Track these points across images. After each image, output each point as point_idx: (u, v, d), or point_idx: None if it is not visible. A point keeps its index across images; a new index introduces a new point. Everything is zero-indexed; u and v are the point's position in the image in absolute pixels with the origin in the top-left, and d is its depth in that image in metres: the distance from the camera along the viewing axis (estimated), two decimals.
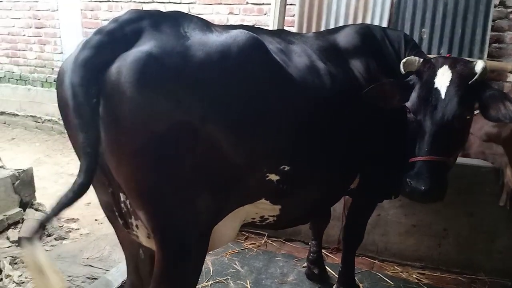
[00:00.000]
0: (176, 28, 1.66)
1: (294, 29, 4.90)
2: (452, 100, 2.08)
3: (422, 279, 3.29)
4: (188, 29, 1.68)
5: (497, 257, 3.27)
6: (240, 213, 2.01)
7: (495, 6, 4.27)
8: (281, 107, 1.84)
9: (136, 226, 1.82)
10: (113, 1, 6.60)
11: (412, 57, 2.28)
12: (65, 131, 1.82)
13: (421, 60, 2.25)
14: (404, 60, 2.26)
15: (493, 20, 4.29)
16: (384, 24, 4.63)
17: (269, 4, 5.37)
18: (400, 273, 3.35)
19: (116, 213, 1.83)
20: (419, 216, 3.41)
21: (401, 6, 4.64)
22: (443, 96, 2.09)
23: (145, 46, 1.54)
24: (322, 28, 4.86)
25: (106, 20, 6.73)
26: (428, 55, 2.61)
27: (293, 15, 4.92)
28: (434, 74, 2.16)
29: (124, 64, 1.50)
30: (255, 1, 5.55)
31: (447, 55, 2.31)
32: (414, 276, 3.32)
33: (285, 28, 4.93)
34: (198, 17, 1.83)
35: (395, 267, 3.43)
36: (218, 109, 1.60)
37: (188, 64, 1.56)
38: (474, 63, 2.16)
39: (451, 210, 3.31)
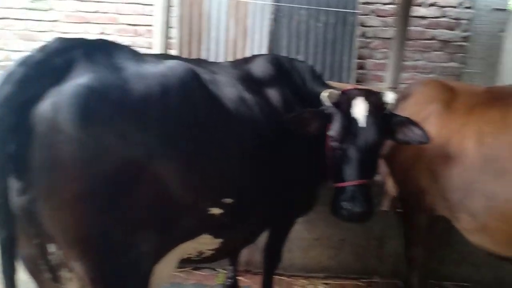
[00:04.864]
0: (110, 59, 1.56)
1: (174, 53, 4.85)
2: (372, 128, 2.28)
3: None
4: (121, 60, 1.59)
5: (388, 260, 3.66)
6: (179, 250, 1.91)
7: (357, 37, 4.85)
8: (223, 138, 1.87)
9: (70, 279, 1.64)
10: None
11: (334, 90, 2.44)
12: None
13: (340, 92, 2.42)
14: (327, 93, 2.39)
15: (357, 49, 4.85)
16: (264, 50, 4.90)
17: (146, 25, 5.22)
18: (308, 286, 3.53)
19: (43, 267, 1.62)
20: (319, 230, 3.64)
21: (277, 34, 4.94)
22: (364, 125, 2.29)
23: (81, 78, 1.41)
24: (203, 52, 4.92)
25: None
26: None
27: (173, 39, 4.85)
28: (352, 105, 2.34)
29: (62, 100, 1.35)
30: (130, 21, 5.31)
31: (353, 86, 2.56)
32: (320, 286, 3.53)
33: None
34: (127, 46, 1.75)
35: (302, 280, 3.60)
36: (164, 145, 1.56)
37: (129, 98, 1.49)
38: (383, 93, 2.42)
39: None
